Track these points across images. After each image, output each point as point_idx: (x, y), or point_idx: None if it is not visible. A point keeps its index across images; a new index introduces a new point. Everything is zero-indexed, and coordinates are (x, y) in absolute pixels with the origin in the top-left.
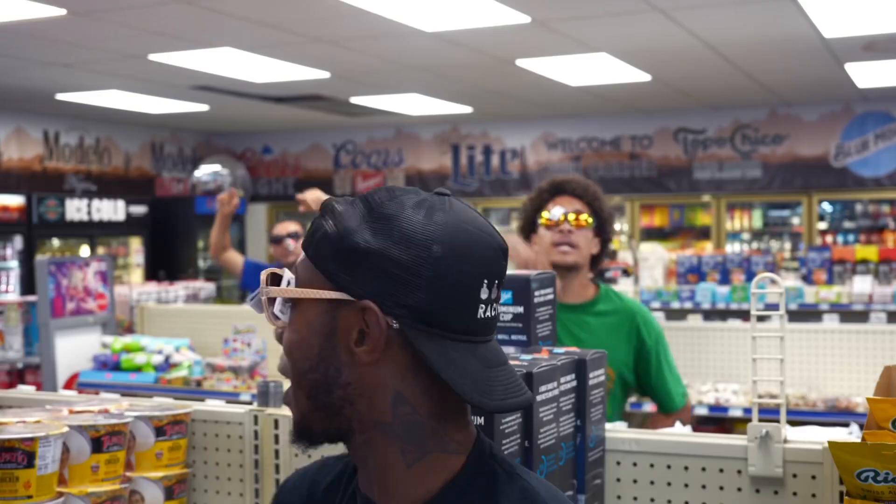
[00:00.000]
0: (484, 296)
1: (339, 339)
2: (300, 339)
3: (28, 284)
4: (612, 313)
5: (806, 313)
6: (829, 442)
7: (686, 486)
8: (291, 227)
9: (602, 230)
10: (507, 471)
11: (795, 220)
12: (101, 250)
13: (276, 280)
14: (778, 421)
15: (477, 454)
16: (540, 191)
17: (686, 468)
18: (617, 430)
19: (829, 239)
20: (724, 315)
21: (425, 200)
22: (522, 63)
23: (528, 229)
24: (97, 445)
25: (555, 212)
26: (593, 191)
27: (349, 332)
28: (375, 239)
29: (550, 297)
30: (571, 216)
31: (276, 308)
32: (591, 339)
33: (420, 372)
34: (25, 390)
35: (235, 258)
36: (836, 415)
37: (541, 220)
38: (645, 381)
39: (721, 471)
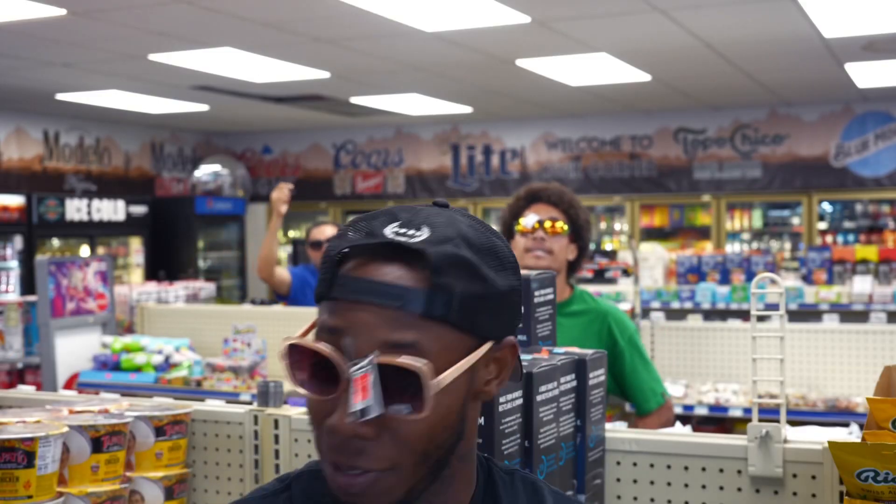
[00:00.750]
0: None
1: (475, 382)
2: (450, 411)
3: (28, 284)
4: (583, 313)
5: (806, 313)
6: (829, 442)
7: (686, 486)
8: (329, 230)
9: (578, 237)
10: (505, 469)
11: (795, 220)
12: (101, 250)
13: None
14: (778, 421)
15: (480, 461)
16: (517, 198)
17: (686, 468)
18: (617, 430)
19: (829, 239)
20: (724, 315)
21: (473, 216)
22: (522, 63)
23: (506, 235)
24: (97, 445)
25: (529, 219)
26: (569, 199)
27: (483, 374)
28: (504, 278)
29: (550, 297)
30: (547, 223)
31: (400, 397)
32: (562, 338)
33: None
34: (25, 390)
35: (284, 274)
36: (836, 415)
37: (516, 227)
38: (620, 381)
39: (721, 471)
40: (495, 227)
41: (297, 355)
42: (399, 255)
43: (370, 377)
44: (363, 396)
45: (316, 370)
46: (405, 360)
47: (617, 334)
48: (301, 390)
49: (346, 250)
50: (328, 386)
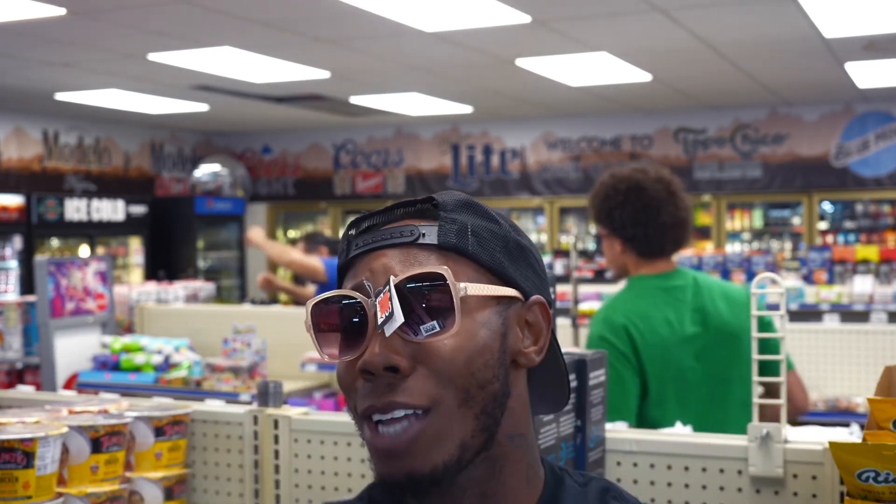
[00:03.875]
0: None
1: (510, 341)
2: (483, 343)
3: (27, 284)
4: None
5: (806, 313)
6: (830, 442)
7: (686, 486)
8: None
9: (608, 219)
10: (577, 477)
11: (796, 220)
12: (100, 250)
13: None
14: (778, 421)
15: (547, 464)
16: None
17: (686, 468)
18: (617, 431)
19: (829, 239)
20: None
21: None
22: (522, 63)
23: None
24: (97, 446)
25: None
26: (590, 198)
27: (516, 332)
28: (516, 234)
29: (550, 297)
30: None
31: (429, 316)
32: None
33: (530, 376)
34: (25, 390)
35: (315, 261)
36: (836, 415)
37: None
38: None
39: (721, 471)
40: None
41: (321, 324)
42: (409, 213)
43: (390, 294)
44: (384, 310)
45: (345, 336)
46: (426, 268)
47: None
48: (329, 359)
49: (359, 218)
50: (357, 346)
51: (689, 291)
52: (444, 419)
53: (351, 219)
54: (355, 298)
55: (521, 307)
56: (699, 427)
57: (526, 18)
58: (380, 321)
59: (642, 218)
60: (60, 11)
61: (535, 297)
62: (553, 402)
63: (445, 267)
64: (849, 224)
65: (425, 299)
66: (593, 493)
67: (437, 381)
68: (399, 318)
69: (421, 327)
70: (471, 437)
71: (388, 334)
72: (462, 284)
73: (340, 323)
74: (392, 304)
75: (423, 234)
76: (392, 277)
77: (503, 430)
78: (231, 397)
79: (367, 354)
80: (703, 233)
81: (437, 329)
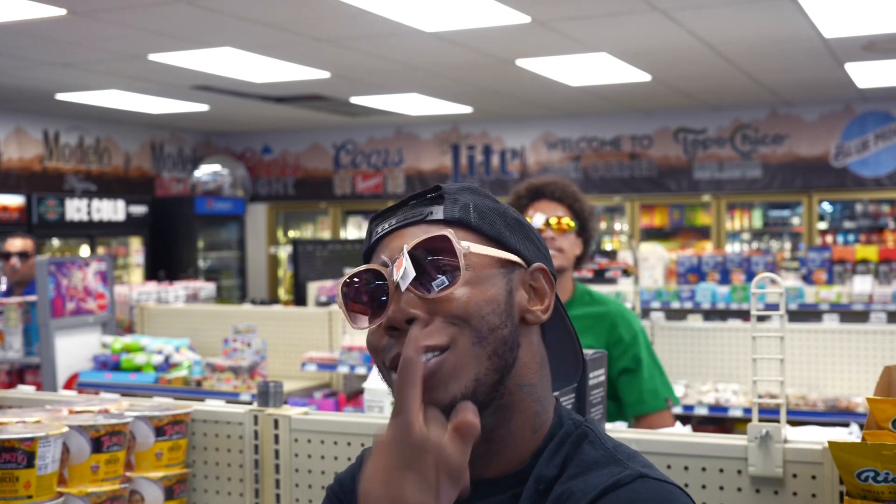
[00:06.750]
0: None
1: (515, 300)
2: (490, 295)
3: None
4: (584, 317)
5: (806, 313)
6: (830, 442)
7: (686, 486)
8: (19, 243)
9: (584, 230)
10: (576, 424)
11: (795, 220)
12: (101, 250)
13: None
14: (778, 421)
15: (558, 417)
16: (518, 196)
17: (686, 468)
18: (617, 431)
19: (829, 239)
20: (724, 315)
21: None
22: (522, 63)
23: None
24: (97, 445)
25: (537, 219)
26: (572, 192)
27: (522, 293)
28: (514, 212)
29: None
30: (553, 220)
31: (438, 275)
32: None
33: (543, 335)
34: (25, 390)
35: None
36: (836, 415)
37: None
38: (616, 378)
39: (721, 471)
40: None
41: (350, 299)
42: (420, 203)
43: (402, 258)
44: (399, 269)
45: (371, 306)
46: (432, 233)
47: (622, 331)
48: (359, 328)
49: (378, 213)
50: (382, 313)
51: None
52: (461, 355)
53: (356, 218)
54: (378, 271)
55: (524, 272)
56: None
57: (526, 19)
58: (395, 279)
59: None
60: (60, 11)
61: (536, 265)
62: (568, 374)
63: (450, 230)
64: (848, 224)
65: (434, 260)
66: (572, 441)
67: (452, 323)
68: (411, 272)
69: (433, 284)
70: (484, 374)
71: (403, 288)
72: (464, 243)
73: (366, 295)
74: (405, 263)
75: (431, 213)
76: (405, 246)
77: (513, 378)
78: (231, 397)
79: (390, 312)
80: (703, 233)
81: (447, 283)
